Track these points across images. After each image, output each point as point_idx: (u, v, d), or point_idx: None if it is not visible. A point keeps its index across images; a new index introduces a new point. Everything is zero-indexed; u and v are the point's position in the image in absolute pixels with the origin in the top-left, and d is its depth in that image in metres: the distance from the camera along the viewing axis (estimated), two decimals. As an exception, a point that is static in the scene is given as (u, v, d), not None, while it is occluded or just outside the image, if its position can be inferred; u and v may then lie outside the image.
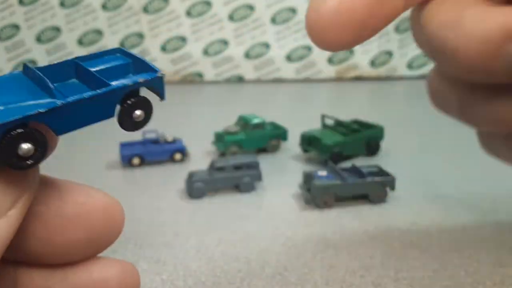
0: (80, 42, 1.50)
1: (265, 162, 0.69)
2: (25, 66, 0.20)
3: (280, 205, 0.57)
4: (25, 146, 0.17)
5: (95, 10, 1.46)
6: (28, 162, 0.18)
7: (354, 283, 0.39)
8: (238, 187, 0.62)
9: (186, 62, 1.47)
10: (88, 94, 0.18)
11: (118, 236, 0.21)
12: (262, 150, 0.80)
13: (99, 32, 1.49)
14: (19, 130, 0.17)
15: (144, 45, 1.49)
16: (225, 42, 1.44)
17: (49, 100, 0.18)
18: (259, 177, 0.63)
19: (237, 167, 0.63)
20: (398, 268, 0.41)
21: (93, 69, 0.19)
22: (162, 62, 1.46)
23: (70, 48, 1.51)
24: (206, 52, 1.46)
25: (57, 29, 1.50)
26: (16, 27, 1.51)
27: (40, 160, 0.18)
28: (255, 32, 1.43)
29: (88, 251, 0.21)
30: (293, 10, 1.42)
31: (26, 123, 0.17)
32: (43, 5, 1.48)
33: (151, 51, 1.49)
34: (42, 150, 0.18)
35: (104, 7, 1.46)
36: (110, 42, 1.49)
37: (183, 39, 1.45)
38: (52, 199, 0.21)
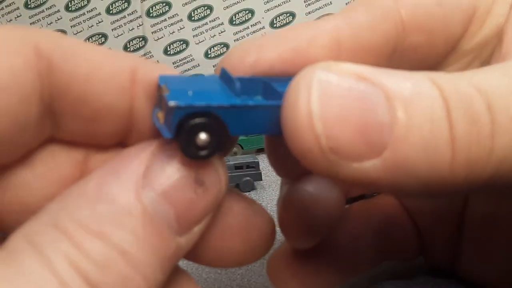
0: (84, 45, 1.52)
1: (265, 162, 0.70)
2: (223, 70, 0.21)
3: (280, 204, 0.58)
4: (203, 136, 0.17)
5: (100, 14, 1.48)
6: (202, 153, 0.18)
7: (354, 282, 0.39)
8: (238, 187, 0.63)
9: (188, 65, 1.48)
10: (271, 102, 0.18)
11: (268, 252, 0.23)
12: (262, 150, 0.81)
13: (103, 35, 1.50)
14: (201, 120, 0.17)
15: (147, 48, 1.50)
16: (226, 45, 1.45)
17: (234, 99, 0.19)
18: (259, 177, 0.64)
19: (237, 167, 0.63)
20: (398, 268, 0.41)
21: (281, 90, 0.18)
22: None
23: (74, 51, 1.52)
24: (207, 55, 1.47)
25: (63, 33, 1.52)
26: (21, 30, 1.53)
27: (213, 153, 0.18)
28: (255, 35, 1.44)
29: (240, 261, 0.23)
30: (292, 15, 1.43)
31: (208, 113, 0.17)
32: (48, 9, 1.49)
33: (154, 54, 1.50)
34: (217, 143, 0.18)
35: (108, 11, 1.48)
36: (114, 45, 1.51)
37: (185, 42, 1.47)
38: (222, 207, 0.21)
